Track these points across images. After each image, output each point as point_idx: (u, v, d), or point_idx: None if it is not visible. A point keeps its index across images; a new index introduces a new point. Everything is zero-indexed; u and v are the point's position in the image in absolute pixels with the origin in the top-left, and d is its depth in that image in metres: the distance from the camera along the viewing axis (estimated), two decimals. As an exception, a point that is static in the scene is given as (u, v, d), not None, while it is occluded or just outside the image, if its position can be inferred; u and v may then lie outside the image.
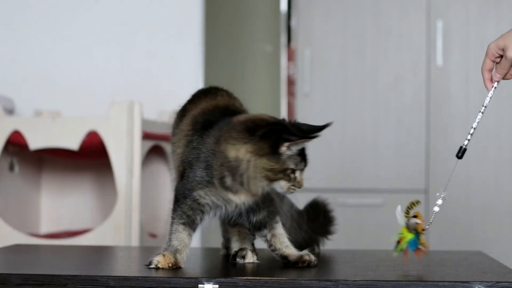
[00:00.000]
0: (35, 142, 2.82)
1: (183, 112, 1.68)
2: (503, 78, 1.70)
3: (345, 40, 3.39)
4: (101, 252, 2.04)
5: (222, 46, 3.84)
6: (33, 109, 3.30)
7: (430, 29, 3.33)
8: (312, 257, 1.55)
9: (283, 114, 3.51)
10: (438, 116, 3.32)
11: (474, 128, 1.65)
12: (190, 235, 1.54)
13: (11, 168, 3.05)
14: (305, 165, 1.51)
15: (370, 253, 1.85)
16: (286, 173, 1.48)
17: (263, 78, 3.82)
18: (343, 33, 3.40)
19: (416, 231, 1.58)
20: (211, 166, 1.50)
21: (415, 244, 1.56)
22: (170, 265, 1.49)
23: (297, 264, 1.54)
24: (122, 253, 2.04)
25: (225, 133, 1.50)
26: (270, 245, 1.58)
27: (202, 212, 1.54)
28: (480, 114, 1.66)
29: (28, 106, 3.33)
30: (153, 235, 3.00)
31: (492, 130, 3.26)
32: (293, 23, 3.56)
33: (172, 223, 1.55)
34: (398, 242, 1.57)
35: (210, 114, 1.59)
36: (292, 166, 1.48)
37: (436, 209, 1.69)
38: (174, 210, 1.55)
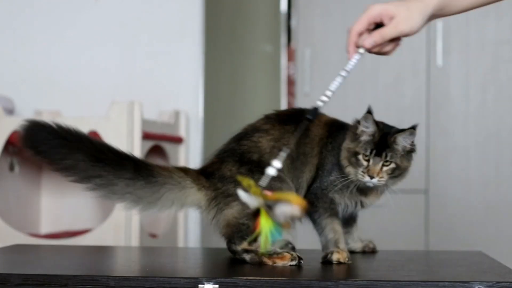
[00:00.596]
0: (35, 142, 2.81)
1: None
2: (376, 52, 1.65)
3: (345, 40, 3.39)
4: (101, 252, 2.04)
5: (222, 46, 3.84)
6: (33, 109, 3.30)
7: (430, 29, 3.33)
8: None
9: (283, 114, 3.51)
10: (438, 116, 3.32)
11: (332, 91, 1.66)
12: (340, 224, 1.65)
13: (11, 168, 3.05)
14: (380, 155, 1.60)
15: (370, 253, 1.85)
16: (357, 157, 1.61)
17: (263, 78, 3.82)
18: (343, 33, 3.38)
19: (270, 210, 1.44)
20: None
21: (279, 231, 1.46)
22: (347, 259, 1.59)
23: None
24: (122, 253, 2.04)
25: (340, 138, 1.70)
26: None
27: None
28: (340, 77, 1.70)
29: (28, 106, 3.33)
30: (153, 235, 3.00)
31: (492, 130, 3.26)
32: (293, 23, 3.56)
33: (318, 223, 1.65)
34: (255, 237, 1.49)
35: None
36: (362, 151, 1.60)
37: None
38: (314, 212, 1.65)
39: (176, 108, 3.24)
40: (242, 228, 1.58)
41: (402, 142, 1.62)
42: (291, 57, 3.60)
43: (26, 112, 3.31)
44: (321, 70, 3.40)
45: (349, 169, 1.63)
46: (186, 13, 3.39)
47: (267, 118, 1.70)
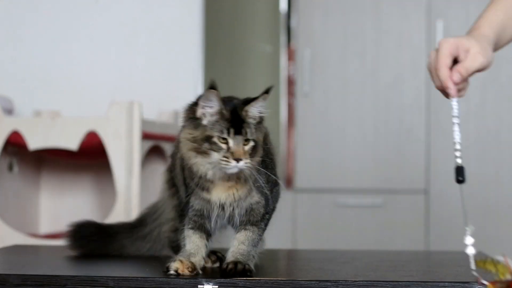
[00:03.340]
0: (34, 142, 2.81)
1: None
2: (458, 91, 1.53)
3: (345, 40, 3.39)
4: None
5: (222, 46, 3.83)
6: (33, 109, 3.29)
7: (430, 29, 3.33)
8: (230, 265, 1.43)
9: (283, 114, 3.51)
10: (438, 116, 3.32)
11: (459, 143, 1.49)
12: (202, 238, 1.47)
13: (10, 168, 3.05)
14: (240, 133, 1.39)
15: (370, 253, 1.85)
16: (211, 142, 1.38)
17: (263, 78, 3.81)
18: (343, 33, 3.39)
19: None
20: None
21: None
22: (189, 270, 1.42)
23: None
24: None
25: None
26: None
27: (203, 216, 1.48)
28: (457, 125, 1.52)
29: (27, 106, 3.33)
30: (152, 236, 3.00)
31: (492, 130, 3.26)
32: (293, 23, 3.56)
33: (182, 231, 1.50)
34: None
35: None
36: (216, 133, 1.38)
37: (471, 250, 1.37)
38: (181, 218, 1.53)
39: (175, 108, 3.24)
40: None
41: (255, 113, 1.42)
42: (291, 57, 3.59)
43: (26, 112, 3.31)
44: (321, 70, 3.39)
45: (197, 160, 1.39)
46: (186, 13, 3.39)
47: None
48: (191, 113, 1.42)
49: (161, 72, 3.36)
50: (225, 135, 1.38)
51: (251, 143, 1.40)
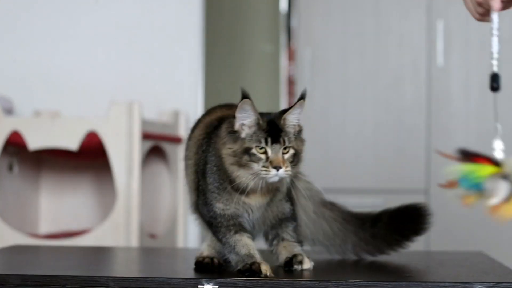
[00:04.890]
0: (34, 143, 2.81)
1: (196, 125, 1.62)
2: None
3: (345, 40, 3.39)
4: (100, 253, 2.04)
5: (222, 46, 3.83)
6: (33, 109, 3.29)
7: (430, 29, 3.33)
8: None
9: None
10: (439, 116, 3.32)
11: (497, 52, 1.51)
12: (249, 237, 1.48)
13: (10, 168, 3.05)
14: (278, 142, 1.40)
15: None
16: (250, 153, 1.40)
17: (263, 78, 3.81)
18: (343, 33, 3.39)
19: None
20: (220, 170, 1.46)
21: (475, 184, 1.23)
22: (268, 272, 1.40)
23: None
24: (122, 254, 2.03)
25: (216, 136, 1.48)
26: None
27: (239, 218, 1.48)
28: (496, 37, 1.52)
29: (27, 106, 3.33)
30: (152, 236, 3.00)
31: (492, 130, 3.25)
32: (293, 23, 3.56)
33: (225, 242, 1.47)
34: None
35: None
36: (254, 144, 1.40)
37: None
38: (216, 232, 1.49)
39: (175, 108, 3.24)
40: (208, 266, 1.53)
41: (293, 120, 1.44)
42: (291, 57, 3.59)
43: (26, 112, 3.31)
44: (321, 70, 3.39)
45: (240, 173, 1.41)
46: (186, 13, 3.39)
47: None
48: (230, 126, 1.43)
49: (161, 72, 3.36)
50: (262, 145, 1.40)
51: (291, 151, 1.42)
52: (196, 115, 3.32)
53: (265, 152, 1.40)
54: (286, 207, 1.54)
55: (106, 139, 2.75)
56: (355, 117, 3.38)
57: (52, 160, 3.23)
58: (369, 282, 1.35)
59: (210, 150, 1.48)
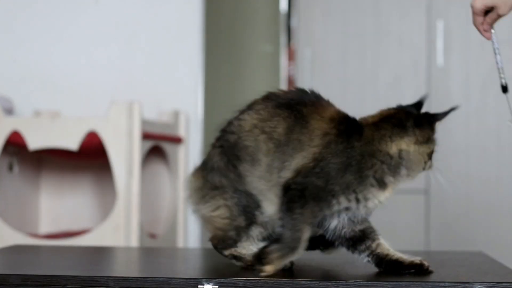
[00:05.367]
0: (34, 143, 2.81)
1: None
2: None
3: (345, 40, 3.39)
4: (100, 253, 2.04)
5: (222, 46, 3.83)
6: (33, 109, 3.29)
7: (430, 29, 3.33)
8: (425, 262, 1.50)
9: (283, 114, 3.51)
10: (438, 116, 3.31)
11: (502, 68, 1.77)
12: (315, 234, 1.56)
13: (10, 168, 3.05)
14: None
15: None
16: (431, 155, 1.62)
17: (263, 78, 3.81)
18: (343, 33, 3.39)
19: None
20: (363, 168, 1.56)
21: None
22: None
23: (410, 269, 1.49)
24: (122, 254, 2.03)
25: (375, 132, 1.66)
26: (374, 255, 1.52)
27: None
28: (498, 55, 1.77)
29: (27, 106, 3.33)
30: (152, 236, 3.00)
31: (492, 130, 3.25)
32: (293, 23, 3.56)
33: (298, 218, 1.46)
34: None
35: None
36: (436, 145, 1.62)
37: None
38: (305, 203, 1.47)
39: (175, 108, 3.24)
40: (229, 242, 1.55)
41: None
42: (291, 57, 3.59)
43: (26, 112, 3.31)
44: (321, 70, 3.39)
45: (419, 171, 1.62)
46: (186, 13, 3.39)
47: (266, 98, 1.62)
48: (430, 130, 1.71)
49: (161, 72, 3.36)
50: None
51: None
52: (196, 115, 3.35)
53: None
54: None
55: (106, 139, 2.75)
56: (355, 117, 3.37)
57: (52, 160, 3.23)
58: (369, 282, 1.35)
59: (350, 152, 1.57)
